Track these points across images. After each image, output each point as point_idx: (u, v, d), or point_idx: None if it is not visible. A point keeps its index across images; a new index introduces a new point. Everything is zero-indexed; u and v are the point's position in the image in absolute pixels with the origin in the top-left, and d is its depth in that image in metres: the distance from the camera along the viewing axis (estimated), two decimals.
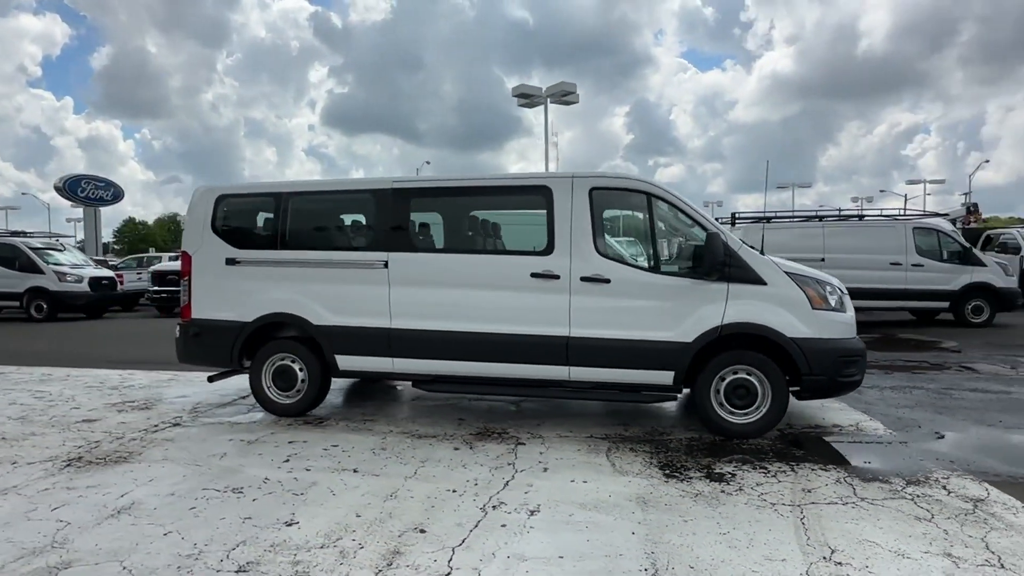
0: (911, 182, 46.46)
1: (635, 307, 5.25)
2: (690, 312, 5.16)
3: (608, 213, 5.62)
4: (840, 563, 3.02)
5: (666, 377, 5.23)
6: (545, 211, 5.46)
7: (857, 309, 5.66)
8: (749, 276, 5.12)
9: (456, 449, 4.91)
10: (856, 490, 3.96)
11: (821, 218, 13.71)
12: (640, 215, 5.49)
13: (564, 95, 20.32)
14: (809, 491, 3.96)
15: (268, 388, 6.02)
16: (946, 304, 12.73)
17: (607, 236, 5.73)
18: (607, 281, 5.27)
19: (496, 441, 5.12)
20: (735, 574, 2.94)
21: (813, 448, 4.92)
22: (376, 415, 6.03)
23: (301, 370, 5.93)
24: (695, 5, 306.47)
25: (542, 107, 21.76)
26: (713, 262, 5.07)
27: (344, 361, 5.79)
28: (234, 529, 3.45)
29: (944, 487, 4.00)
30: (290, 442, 5.13)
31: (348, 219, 6.36)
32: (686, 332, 5.14)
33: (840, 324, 5.17)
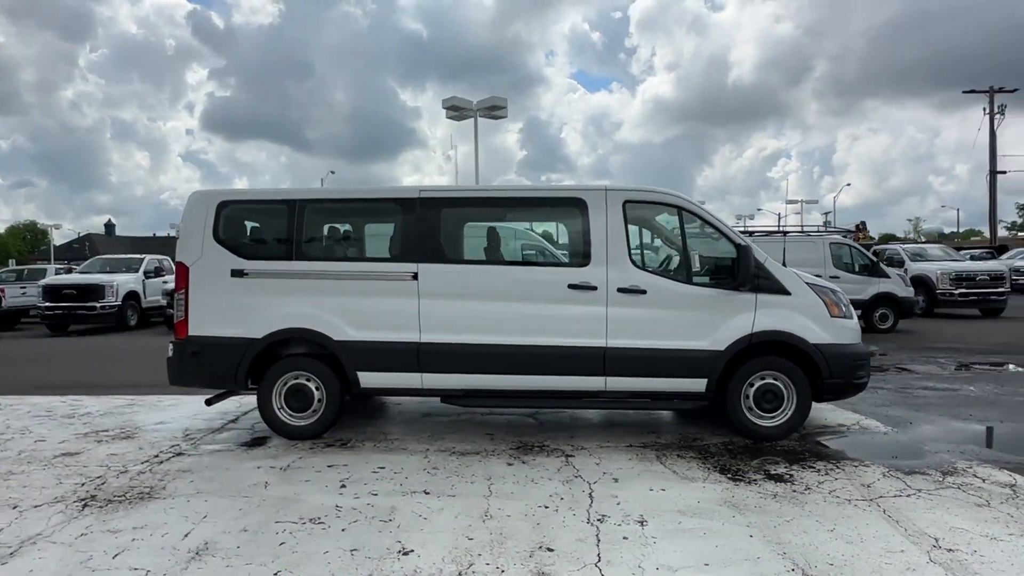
0: (790, 201, 50.90)
1: (670, 317, 5.41)
2: (722, 321, 5.39)
3: (640, 226, 5.75)
4: (951, 550, 3.29)
5: (699, 385, 5.42)
6: (580, 223, 5.53)
7: None
8: (775, 287, 5.44)
9: (510, 464, 4.82)
10: (907, 483, 4.31)
11: (750, 233, 14.74)
12: (672, 228, 5.68)
13: (494, 109, 20.46)
14: (868, 486, 4.26)
15: (280, 409, 5.58)
16: (858, 312, 14.08)
17: (641, 248, 5.87)
18: (643, 292, 5.40)
19: (543, 455, 5.07)
20: (870, 568, 3.11)
21: (838, 446, 5.28)
22: (396, 433, 5.76)
23: (318, 389, 5.56)
24: (584, 29, 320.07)
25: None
26: (746, 274, 5.34)
27: (367, 378, 5.50)
28: (349, 563, 3.19)
29: (976, 475, 4.45)
30: (329, 466, 4.79)
31: (372, 229, 6.07)
32: (718, 341, 5.37)
33: (851, 330, 5.60)
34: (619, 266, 5.41)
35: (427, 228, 5.54)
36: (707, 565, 3.15)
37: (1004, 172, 36.07)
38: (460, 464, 4.82)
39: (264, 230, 6.00)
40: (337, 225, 6.02)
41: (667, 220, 5.75)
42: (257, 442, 5.51)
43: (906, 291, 14.13)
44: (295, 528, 3.63)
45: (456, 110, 20.20)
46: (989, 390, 7.56)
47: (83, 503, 4.06)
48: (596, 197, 5.54)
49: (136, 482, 4.46)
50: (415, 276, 5.46)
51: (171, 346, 5.67)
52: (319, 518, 3.77)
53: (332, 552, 3.31)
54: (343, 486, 4.35)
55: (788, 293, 5.46)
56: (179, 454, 5.17)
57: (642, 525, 3.64)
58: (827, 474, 4.53)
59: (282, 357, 5.61)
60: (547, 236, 7.58)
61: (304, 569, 3.13)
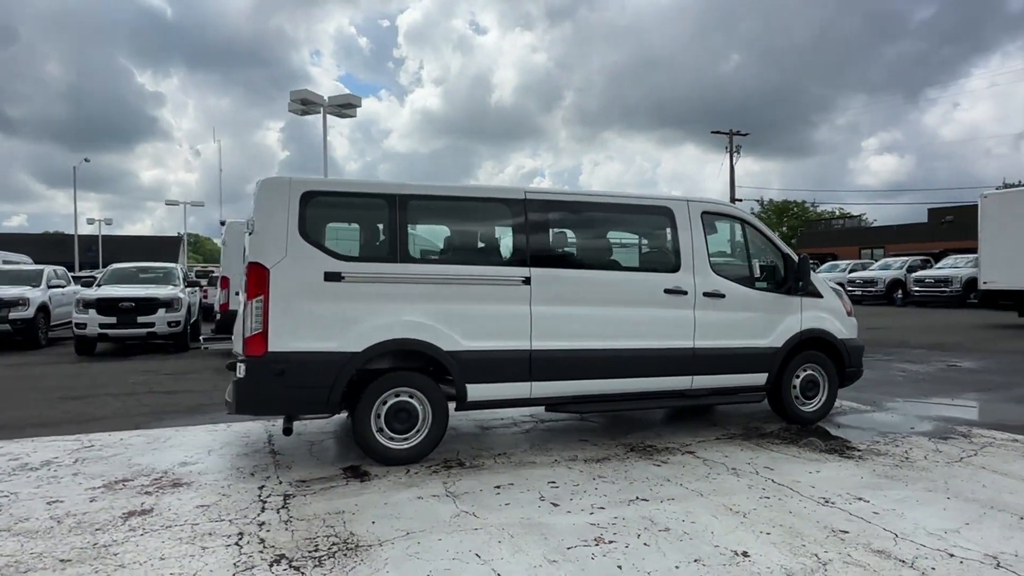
0: None
1: (742, 319, 6.00)
2: (779, 322, 6.14)
3: (713, 235, 6.21)
4: None
5: (761, 379, 6.10)
6: (669, 231, 5.84)
7: None
8: (812, 290, 6.35)
9: (657, 466, 4.94)
10: (960, 446, 5.42)
11: None
12: (738, 238, 6.26)
13: (346, 107, 19.25)
14: (939, 451, 5.28)
15: (379, 432, 4.91)
16: None
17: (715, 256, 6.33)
18: (723, 296, 5.91)
19: (668, 453, 5.27)
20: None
21: (868, 426, 6.33)
22: (485, 449, 5.43)
23: (422, 406, 5.01)
24: (351, 32, 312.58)
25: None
26: (801, 280, 6.16)
27: (477, 391, 5.13)
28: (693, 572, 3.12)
29: (989, 437, 5.75)
30: (496, 487, 4.41)
31: (480, 230, 5.58)
32: (777, 338, 6.11)
33: (856, 326, 6.75)
34: (703, 272, 5.84)
35: (536, 231, 5.37)
36: (967, 524, 3.72)
37: (740, 200, 44.19)
38: (614, 471, 4.80)
39: (362, 227, 5.23)
40: (444, 224, 5.48)
41: (734, 231, 6.32)
42: (355, 473, 4.76)
43: None
44: (590, 552, 3.37)
45: (304, 104, 18.67)
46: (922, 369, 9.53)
47: (277, 563, 3.23)
48: (680, 207, 5.90)
49: (313, 532, 3.64)
50: (527, 281, 5.25)
51: (241, 366, 4.64)
52: (597, 539, 3.54)
53: (661, 570, 3.19)
54: (555, 504, 4.08)
55: (821, 296, 6.40)
56: (291, 496, 4.27)
57: (862, 501, 4.10)
58: (901, 446, 5.45)
59: (382, 373, 4.93)
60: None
61: None
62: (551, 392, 5.38)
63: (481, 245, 5.54)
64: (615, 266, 5.82)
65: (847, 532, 3.62)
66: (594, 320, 5.48)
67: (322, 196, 4.94)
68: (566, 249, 5.71)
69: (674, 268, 5.81)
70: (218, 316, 12.16)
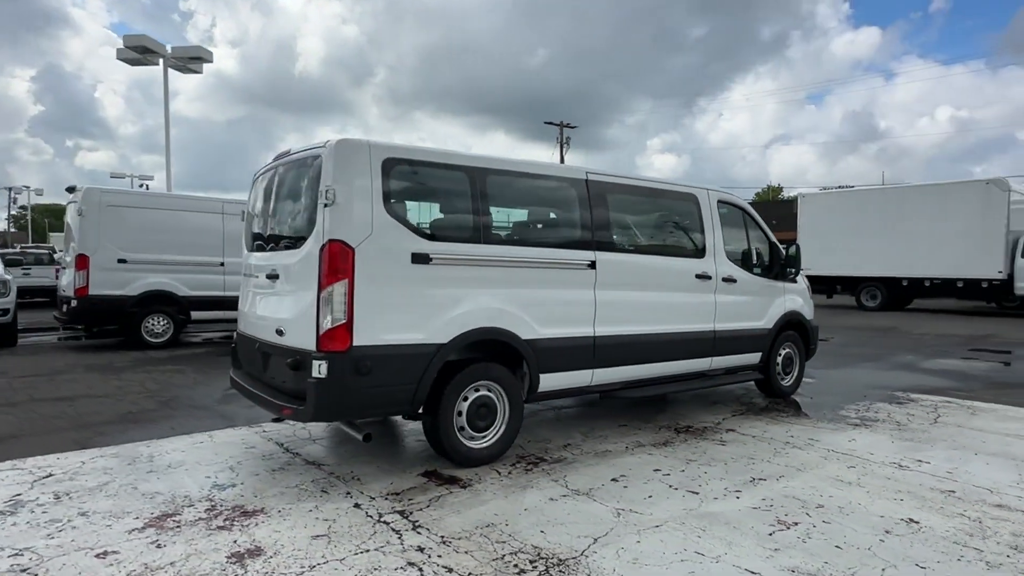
0: None
1: (747, 302, 6.42)
2: (770, 304, 6.68)
3: (723, 223, 6.46)
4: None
5: (756, 358, 6.60)
6: (696, 217, 6.03)
7: None
8: (789, 276, 6.98)
9: (723, 444, 5.10)
10: (919, 410, 6.36)
11: None
12: (740, 226, 6.62)
13: (192, 60, 16.49)
14: (912, 415, 6.15)
15: (460, 431, 4.42)
16: None
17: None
18: (735, 281, 6.27)
19: (712, 433, 5.47)
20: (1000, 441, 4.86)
21: (823, 395, 7.15)
22: (555, 443, 5.18)
23: (500, 400, 4.62)
24: None
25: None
26: (791, 267, 6.73)
27: (548, 380, 4.87)
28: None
29: (928, 400, 6.82)
30: (614, 479, 4.22)
31: (550, 211, 5.13)
32: (769, 320, 6.64)
33: (813, 308, 7.56)
34: (720, 258, 6.14)
35: (599, 214, 5.19)
36: (1021, 475, 4.39)
37: None
38: (694, 453, 4.88)
39: (447, 202, 4.57)
40: (519, 203, 4.99)
41: (737, 219, 6.66)
42: (441, 478, 4.25)
43: None
44: (791, 535, 3.39)
45: (141, 53, 15.85)
46: None
47: None
48: (703, 195, 6.12)
49: (492, 551, 3.16)
50: (592, 265, 5.07)
51: (318, 364, 3.86)
52: (782, 521, 3.57)
53: (875, 535, 3.33)
54: (694, 492, 4.01)
55: (795, 281, 7.07)
56: (406, 512, 3.67)
57: (923, 463, 4.64)
58: (878, 412, 6.25)
59: (465, 365, 4.43)
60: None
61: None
62: (609, 379, 5.28)
63: (553, 227, 5.21)
64: (660, 251, 5.84)
65: (952, 491, 4.08)
66: (645, 305, 5.47)
67: (404, 165, 4.26)
68: (623, 233, 5.60)
69: (701, 254, 6.01)
70: (73, 303, 9.94)
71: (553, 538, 3.35)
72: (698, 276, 5.91)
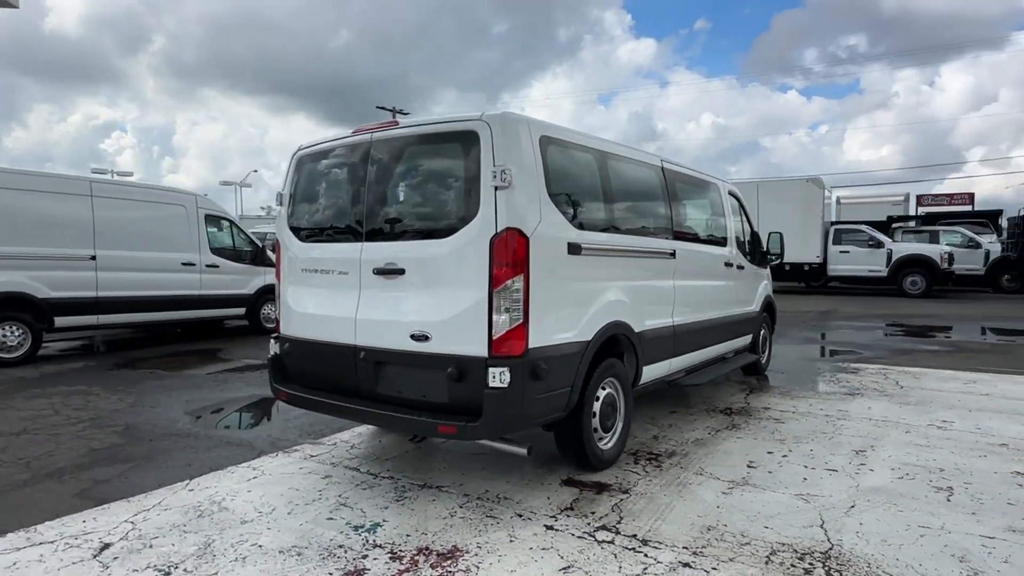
0: (226, 183, 49.11)
1: (746, 287, 6.87)
2: (757, 289, 7.22)
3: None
4: (975, 381, 6.42)
5: (749, 340, 7.10)
6: (719, 206, 6.29)
7: None
8: (765, 263, 7.59)
9: (783, 422, 5.41)
10: (880, 378, 7.32)
11: None
12: (738, 215, 6.98)
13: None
14: (880, 383, 7.07)
15: (595, 432, 4.15)
16: (242, 311, 11.35)
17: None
18: (743, 268, 6.67)
19: (753, 414, 5.78)
20: (953, 397, 5.90)
21: (782, 371, 7.91)
22: (640, 436, 5.08)
23: (619, 396, 4.42)
24: None
25: None
26: (775, 254, 7.31)
27: (647, 372, 4.78)
28: None
29: (876, 369, 7.86)
30: (780, 464, 4.25)
31: (648, 200, 4.84)
32: (756, 304, 7.19)
33: None
34: (733, 245, 6.48)
35: (674, 203, 5.17)
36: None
37: None
38: (772, 435, 5.11)
39: (588, 188, 4.12)
40: (630, 190, 4.66)
41: (737, 208, 7.00)
42: (592, 486, 3.96)
43: None
44: (962, 500, 3.71)
45: None
46: None
47: None
48: (720, 185, 6.41)
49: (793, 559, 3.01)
50: (673, 254, 5.06)
51: (498, 371, 3.35)
52: (946, 488, 3.88)
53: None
54: (832, 470, 4.19)
55: (765, 267, 7.70)
56: (613, 528, 3.35)
57: (948, 422, 5.35)
58: (848, 384, 7.08)
59: (599, 362, 4.14)
60: None
61: None
62: (678, 367, 5.31)
63: (650, 216, 5.01)
64: (707, 240, 5.96)
65: (1005, 444, 4.76)
66: (701, 293, 5.59)
67: (556, 145, 3.82)
68: (688, 222, 5.59)
69: (723, 242, 6.27)
70: None
71: (786, 531, 3.30)
72: (726, 264, 6.18)
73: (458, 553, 3.08)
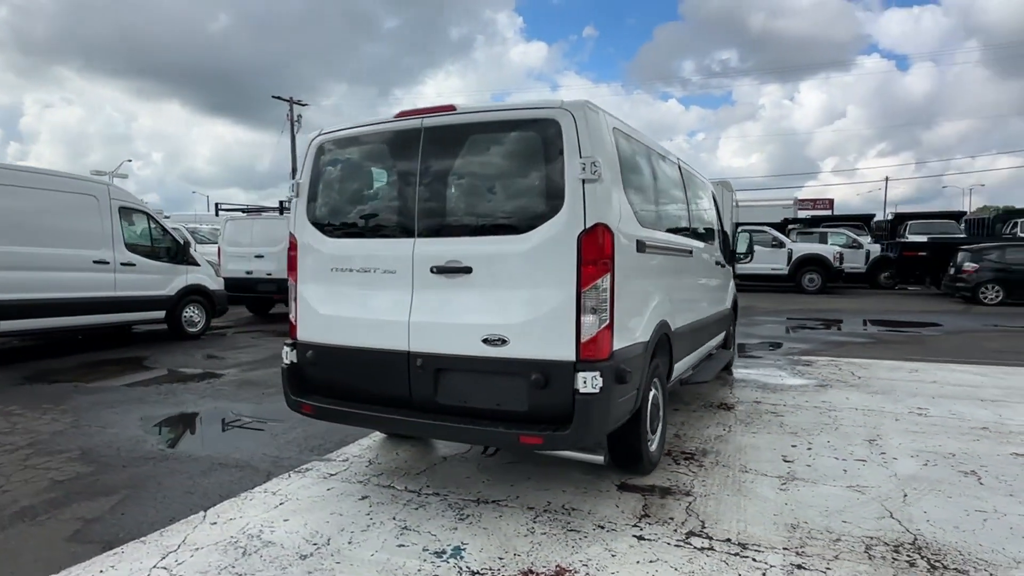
0: (98, 172, 44.10)
1: (724, 285, 7.07)
2: (728, 287, 7.46)
3: None
4: (917, 370, 7.01)
5: (723, 337, 7.33)
6: (711, 204, 6.42)
7: None
8: (733, 261, 7.87)
9: (789, 415, 5.58)
10: (836, 369, 7.80)
11: None
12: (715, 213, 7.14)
13: None
14: (837, 376, 7.53)
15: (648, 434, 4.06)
16: (161, 315, 10.22)
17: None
18: (724, 266, 6.86)
19: (749, 406, 5.94)
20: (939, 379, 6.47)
21: (760, 364, 8.25)
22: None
23: (660, 396, 4.35)
24: None
25: None
26: (746, 254, 7.56)
27: (675, 371, 4.76)
28: None
29: (827, 361, 8.36)
30: (818, 453, 4.32)
31: (675, 197, 4.73)
32: (729, 301, 7.43)
33: None
34: (718, 243, 6.64)
35: (689, 201, 5.19)
36: (982, 402, 5.76)
37: None
38: (774, 425, 5.25)
39: (644, 185, 3.94)
40: (663, 187, 4.52)
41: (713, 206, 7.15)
42: (639, 490, 3.86)
43: (218, 283, 11.27)
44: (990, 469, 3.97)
45: None
46: None
47: None
48: (707, 182, 6.53)
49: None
50: (691, 253, 5.08)
51: (589, 376, 3.15)
52: (968, 470, 4.12)
53: None
54: (861, 460, 4.34)
55: (733, 266, 7.98)
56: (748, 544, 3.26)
57: (925, 408, 5.76)
58: (815, 377, 7.49)
59: (651, 363, 4.03)
60: None
61: None
62: (689, 364, 5.34)
63: (677, 214, 4.93)
64: (707, 239, 6.00)
65: (986, 427, 5.18)
66: (705, 291, 5.67)
67: (623, 138, 3.66)
68: (697, 221, 5.59)
69: (713, 240, 6.40)
70: None
71: (864, 524, 3.36)
72: (716, 262, 6.31)
73: (567, 573, 2.86)
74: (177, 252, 10.44)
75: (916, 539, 3.20)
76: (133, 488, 3.94)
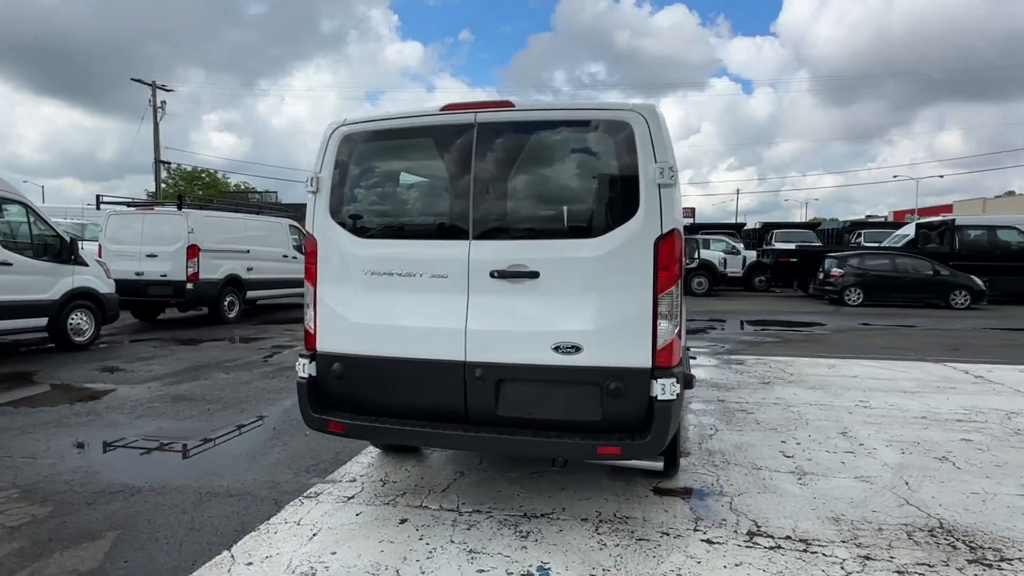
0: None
1: None
2: None
3: None
4: (834, 366, 7.76)
5: None
6: None
7: None
8: None
9: (762, 410, 5.90)
10: (769, 364, 8.38)
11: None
12: None
13: None
14: (772, 367, 8.10)
15: None
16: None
17: None
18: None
19: (721, 405, 6.23)
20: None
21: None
22: None
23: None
24: None
25: None
26: (692, 259, 7.92)
27: None
28: None
29: (757, 360, 8.96)
30: (798, 459, 4.56)
31: None
32: None
33: None
34: None
35: None
36: (906, 392, 6.46)
37: (168, 162, 39.95)
38: (747, 423, 5.54)
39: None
40: None
41: None
42: (671, 493, 3.91)
43: (109, 285, 9.96)
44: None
45: None
46: None
47: None
48: None
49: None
50: None
51: (667, 382, 3.12)
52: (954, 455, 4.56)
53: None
54: (857, 444, 4.68)
55: None
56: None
57: (868, 401, 6.35)
58: (758, 375, 8.01)
59: None
60: None
61: None
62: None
63: None
64: None
65: (925, 417, 5.79)
66: None
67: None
68: None
69: None
70: None
71: (891, 513, 3.61)
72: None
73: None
74: (62, 250, 9.09)
75: (942, 523, 3.50)
76: (121, 529, 3.36)
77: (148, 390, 6.68)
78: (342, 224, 3.59)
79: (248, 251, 13.03)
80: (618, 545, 3.20)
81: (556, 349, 3.20)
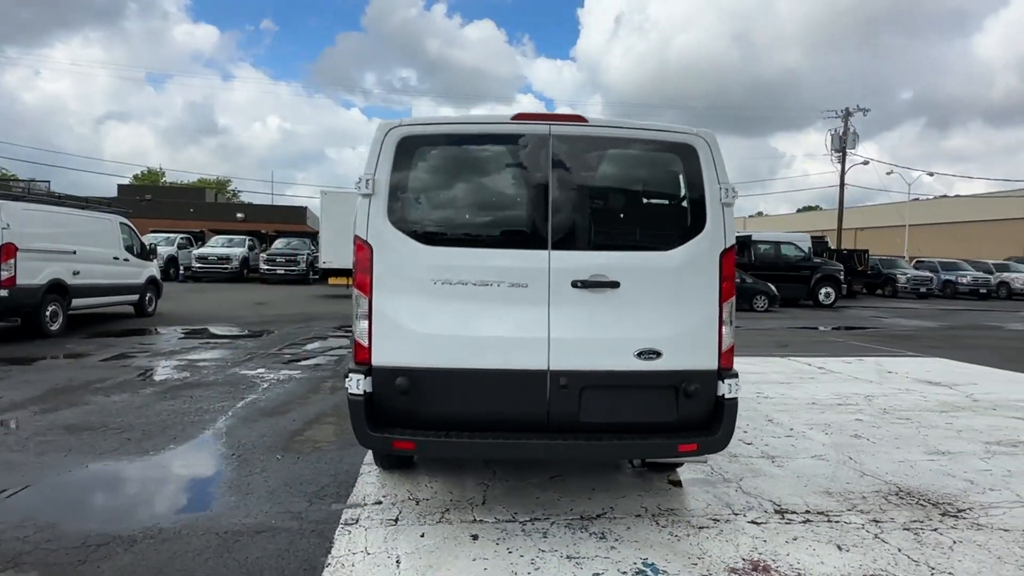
0: None
1: None
2: None
3: None
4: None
5: None
6: None
7: None
8: None
9: None
10: None
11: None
12: None
13: None
14: None
15: None
16: None
17: None
18: None
19: None
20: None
21: None
22: None
23: None
24: None
25: None
26: None
27: None
28: None
29: None
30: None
31: None
32: None
33: None
34: None
35: None
36: (855, 379, 7.61)
37: None
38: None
39: None
40: None
41: None
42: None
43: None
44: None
45: None
46: None
47: None
48: None
49: None
50: None
51: (732, 383, 3.46)
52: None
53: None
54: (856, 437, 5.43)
55: None
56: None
57: (789, 395, 7.36)
58: None
59: None
60: None
61: None
62: None
63: None
64: None
65: (815, 403, 6.86)
66: None
67: None
68: None
69: None
70: None
71: (860, 482, 4.33)
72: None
73: (772, 567, 3.12)
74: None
75: (899, 488, 4.28)
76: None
77: (28, 419, 5.48)
78: (404, 230, 3.39)
79: (75, 252, 11.07)
80: (689, 536, 3.46)
81: (639, 355, 3.37)
